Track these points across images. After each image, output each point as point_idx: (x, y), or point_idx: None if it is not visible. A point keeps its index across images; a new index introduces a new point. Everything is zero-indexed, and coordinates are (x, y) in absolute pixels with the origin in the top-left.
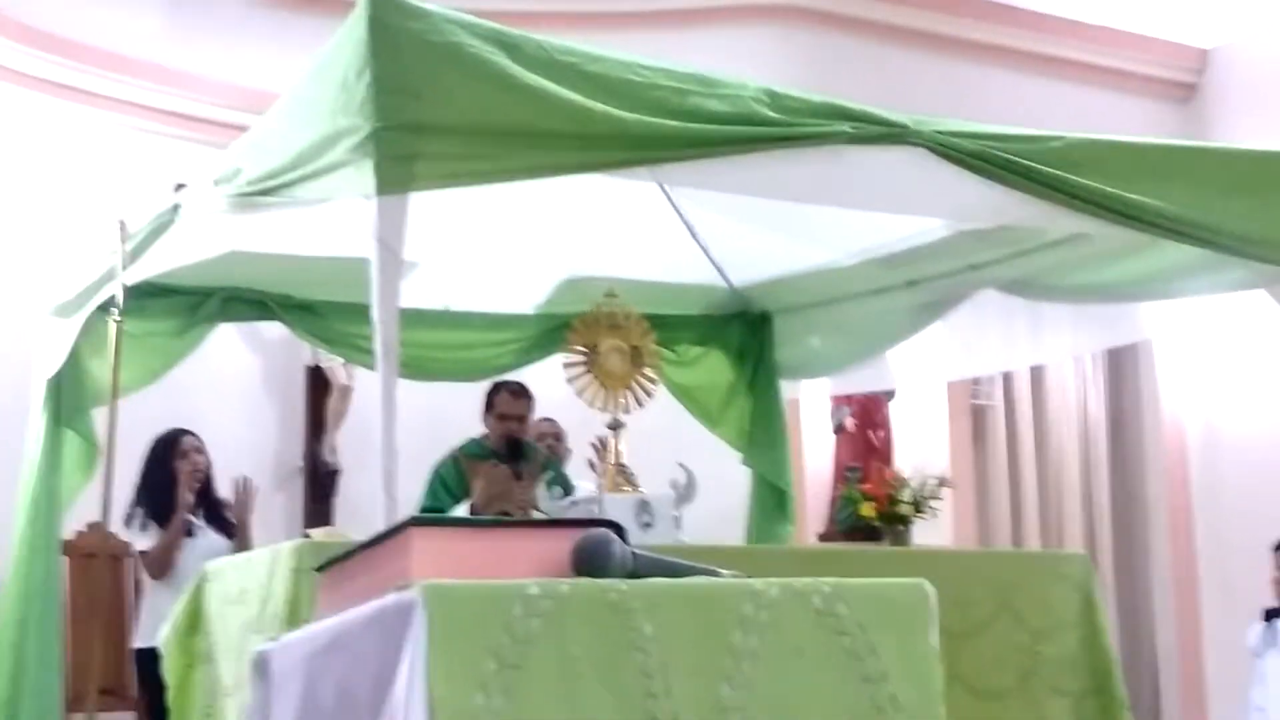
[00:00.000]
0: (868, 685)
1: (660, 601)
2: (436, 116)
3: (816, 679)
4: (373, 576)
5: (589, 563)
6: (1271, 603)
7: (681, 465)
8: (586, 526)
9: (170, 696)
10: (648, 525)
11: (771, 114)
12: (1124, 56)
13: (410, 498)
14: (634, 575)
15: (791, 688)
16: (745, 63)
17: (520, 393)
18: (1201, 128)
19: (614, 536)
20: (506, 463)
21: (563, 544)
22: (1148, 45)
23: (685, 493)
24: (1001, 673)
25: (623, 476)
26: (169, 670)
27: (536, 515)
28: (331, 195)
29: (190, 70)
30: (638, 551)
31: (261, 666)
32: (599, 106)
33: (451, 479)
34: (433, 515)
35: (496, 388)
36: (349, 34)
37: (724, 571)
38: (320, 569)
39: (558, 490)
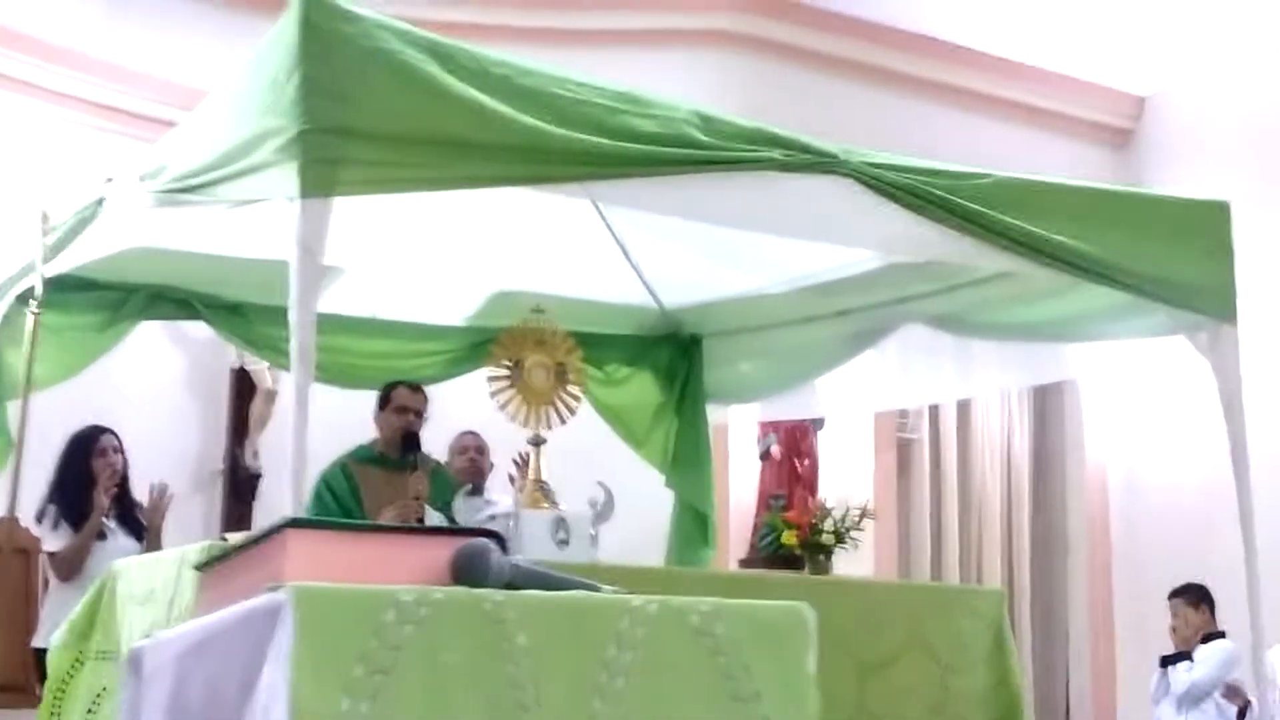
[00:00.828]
0: (739, 705)
1: (535, 613)
2: (364, 122)
3: (689, 696)
4: (249, 577)
5: (467, 572)
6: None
7: (600, 484)
8: (468, 536)
9: (49, 695)
10: (564, 542)
11: (702, 137)
12: (1063, 99)
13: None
14: (512, 586)
15: (663, 704)
16: (685, 86)
17: (418, 389)
18: (1136, 173)
19: (493, 547)
20: (400, 461)
21: (442, 552)
22: (1086, 90)
23: (603, 511)
24: (910, 705)
25: (541, 493)
26: (53, 668)
27: (430, 512)
28: (255, 196)
29: (128, 65)
30: (517, 563)
31: (134, 663)
32: (528, 120)
33: (341, 488)
34: (312, 519)
35: (394, 383)
36: (280, 34)
37: (606, 587)
38: (200, 568)
39: (478, 501)
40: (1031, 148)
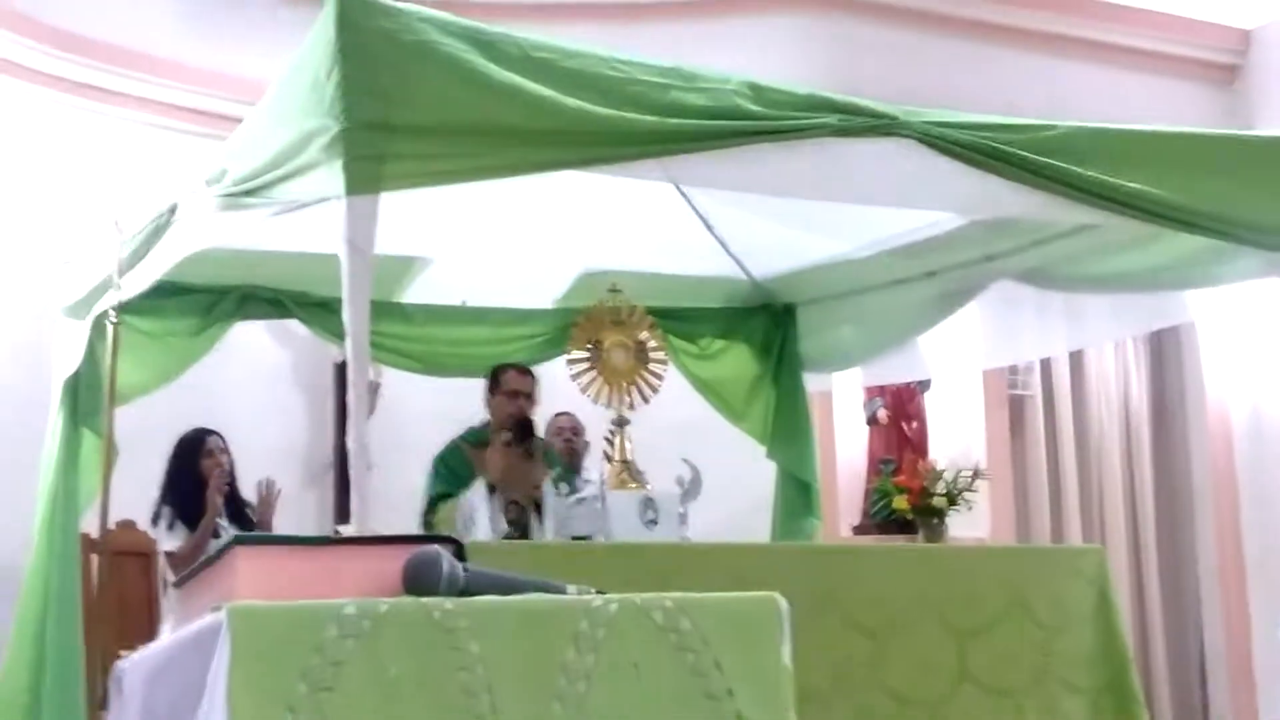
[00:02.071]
0: (711, 702)
1: (488, 619)
2: (406, 116)
3: (656, 696)
4: (206, 596)
5: (417, 581)
6: None
7: (686, 461)
8: (419, 544)
9: None
10: (653, 522)
11: (754, 107)
12: (1164, 39)
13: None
14: (467, 593)
15: (629, 705)
16: (768, 53)
17: (527, 371)
18: (1245, 110)
19: (443, 554)
20: (515, 444)
21: (395, 562)
22: (1188, 27)
23: (691, 489)
24: (1014, 670)
25: (628, 473)
26: None
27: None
28: (306, 196)
29: (215, 68)
30: (471, 568)
31: (116, 682)
32: (574, 103)
33: (459, 464)
34: (260, 535)
35: (502, 367)
36: (320, 33)
37: (571, 587)
38: (177, 584)
39: (564, 487)
40: (1134, 91)
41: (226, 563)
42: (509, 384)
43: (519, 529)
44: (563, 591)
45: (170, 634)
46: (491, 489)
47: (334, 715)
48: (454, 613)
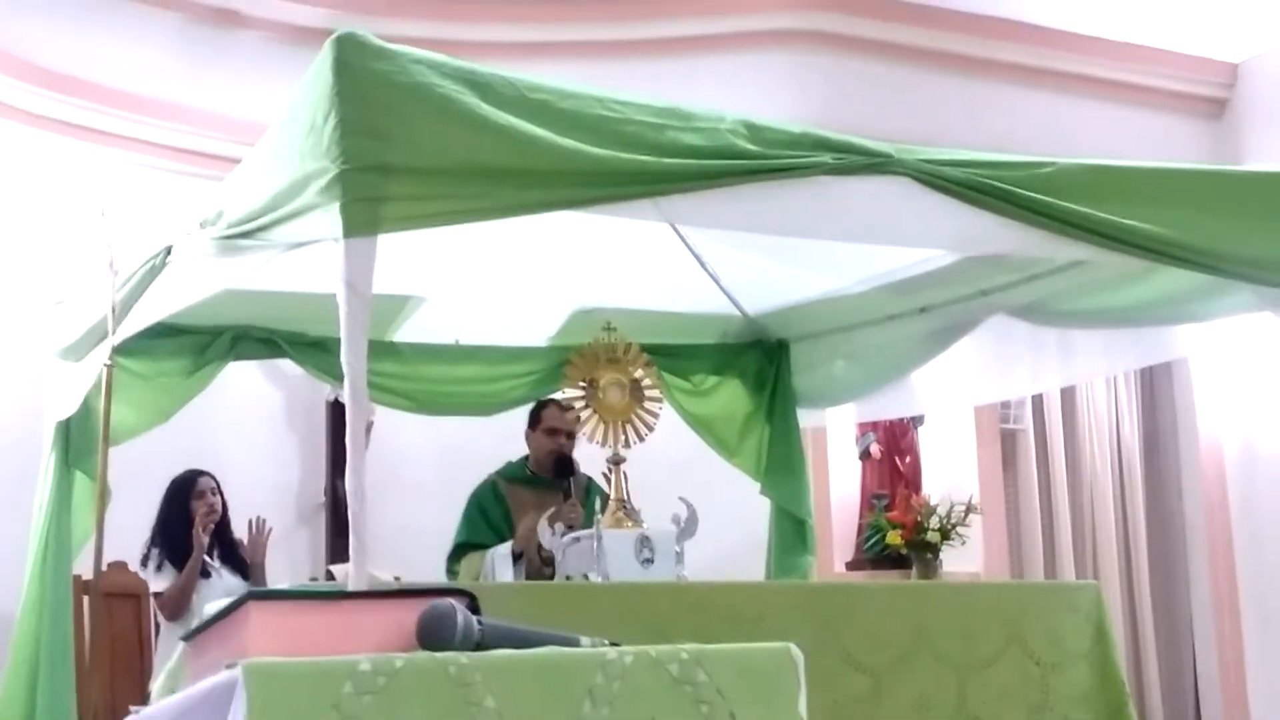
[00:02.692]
0: None
1: (504, 674)
2: (404, 158)
3: None
4: (219, 651)
5: (432, 635)
6: None
7: (682, 499)
8: (434, 596)
9: None
10: (649, 561)
11: (749, 146)
12: (1152, 73)
13: (440, 529)
14: (482, 646)
15: None
16: (763, 89)
17: (569, 407)
18: (1234, 143)
19: (458, 608)
20: (551, 481)
21: (410, 615)
22: (1175, 61)
23: (687, 528)
24: (1012, 706)
25: (624, 512)
26: None
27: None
28: (304, 238)
29: (210, 108)
30: (485, 621)
31: None
32: (569, 143)
33: (492, 507)
34: (274, 590)
35: (544, 402)
36: (316, 76)
37: (585, 639)
38: (187, 638)
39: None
40: (1123, 125)
41: (239, 618)
42: (548, 420)
43: (553, 567)
44: (577, 644)
45: (163, 677)
46: (518, 556)
47: None
48: (469, 667)
